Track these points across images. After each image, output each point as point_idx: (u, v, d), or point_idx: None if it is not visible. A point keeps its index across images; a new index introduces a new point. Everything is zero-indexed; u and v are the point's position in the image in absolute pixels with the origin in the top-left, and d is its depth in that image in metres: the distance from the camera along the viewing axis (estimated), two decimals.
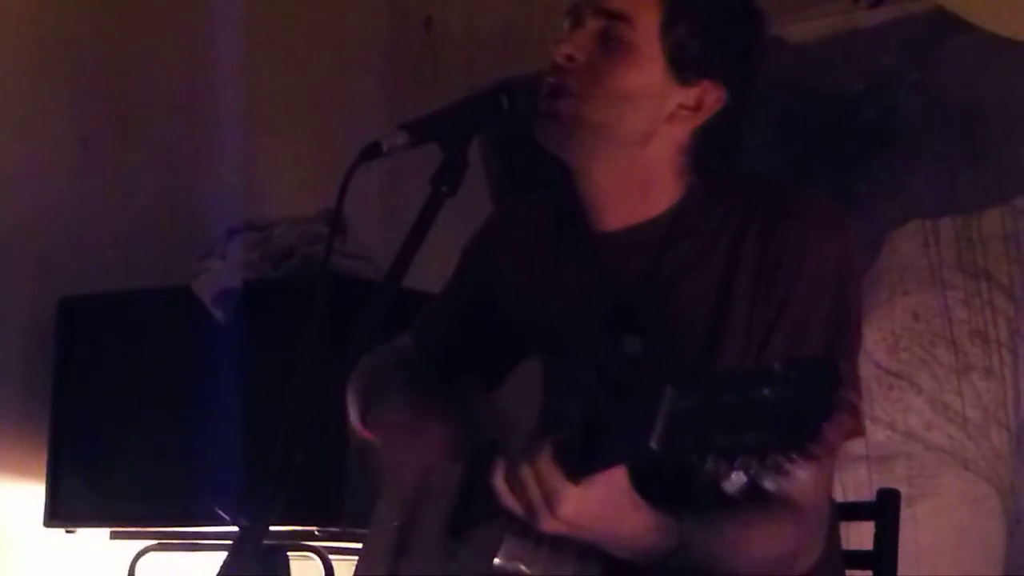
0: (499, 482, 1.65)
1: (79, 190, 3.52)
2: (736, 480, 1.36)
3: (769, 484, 1.36)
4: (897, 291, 3.14)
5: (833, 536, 1.99)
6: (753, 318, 1.80)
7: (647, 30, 1.85)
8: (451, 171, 1.70)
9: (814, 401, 1.32)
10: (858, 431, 1.82)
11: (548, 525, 1.63)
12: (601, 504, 1.62)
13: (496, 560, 1.69)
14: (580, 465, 1.58)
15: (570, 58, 1.87)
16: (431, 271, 2.11)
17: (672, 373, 1.50)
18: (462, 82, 3.54)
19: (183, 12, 3.65)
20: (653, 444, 1.43)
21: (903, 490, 2.39)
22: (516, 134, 1.87)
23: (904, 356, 3.13)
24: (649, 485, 1.66)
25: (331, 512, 2.96)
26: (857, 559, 2.15)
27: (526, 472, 1.61)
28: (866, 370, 3.14)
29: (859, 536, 2.20)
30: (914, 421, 3.11)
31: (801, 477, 1.66)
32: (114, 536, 3.37)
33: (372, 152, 1.68)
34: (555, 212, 2.00)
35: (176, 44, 3.65)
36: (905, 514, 2.41)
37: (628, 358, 1.83)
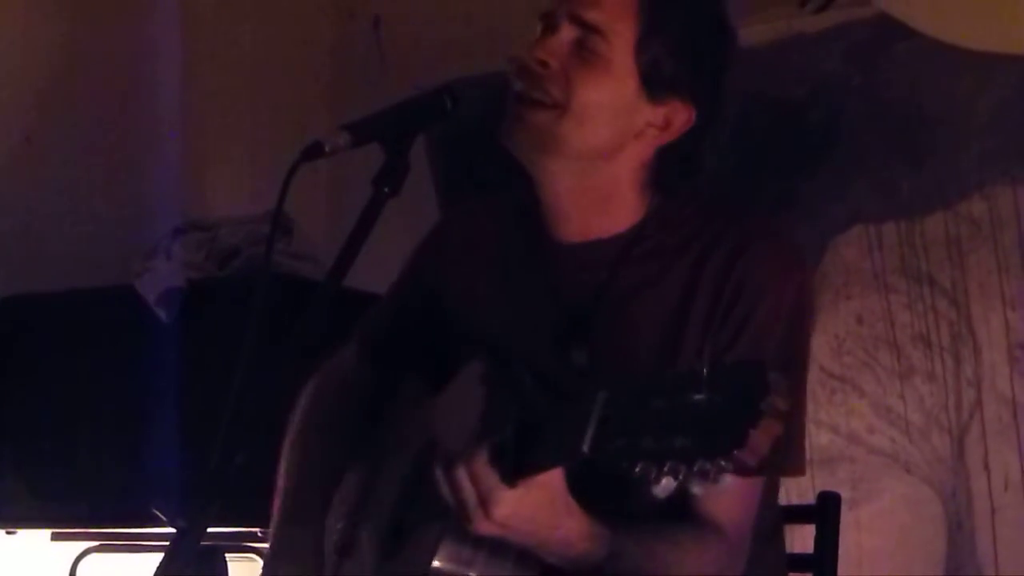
0: (440, 479, 1.65)
1: (22, 188, 3.49)
2: (666, 485, 1.36)
3: (698, 489, 1.36)
4: (841, 295, 3.16)
5: (777, 541, 2.00)
6: (705, 344, 1.81)
7: (623, 45, 1.85)
8: (393, 172, 1.70)
9: (741, 407, 1.33)
10: (800, 469, 1.84)
11: (482, 527, 1.63)
12: (536, 507, 1.63)
13: (435, 562, 1.69)
14: (515, 467, 1.58)
15: (544, 64, 1.85)
16: (375, 271, 2.11)
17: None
18: (409, 83, 3.53)
19: (129, 10, 3.62)
20: (584, 448, 1.43)
21: (846, 494, 2.40)
22: (463, 135, 1.87)
23: (847, 360, 3.14)
24: (587, 492, 1.67)
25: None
26: (799, 562, 2.16)
27: (461, 473, 1.61)
28: (810, 373, 3.15)
29: (802, 539, 2.21)
30: (857, 425, 3.12)
31: (729, 491, 1.70)
32: (55, 537, 3.35)
33: (314, 152, 1.68)
34: (510, 217, 2.00)
35: (122, 42, 3.62)
36: (848, 517, 2.43)
37: (573, 370, 1.83)
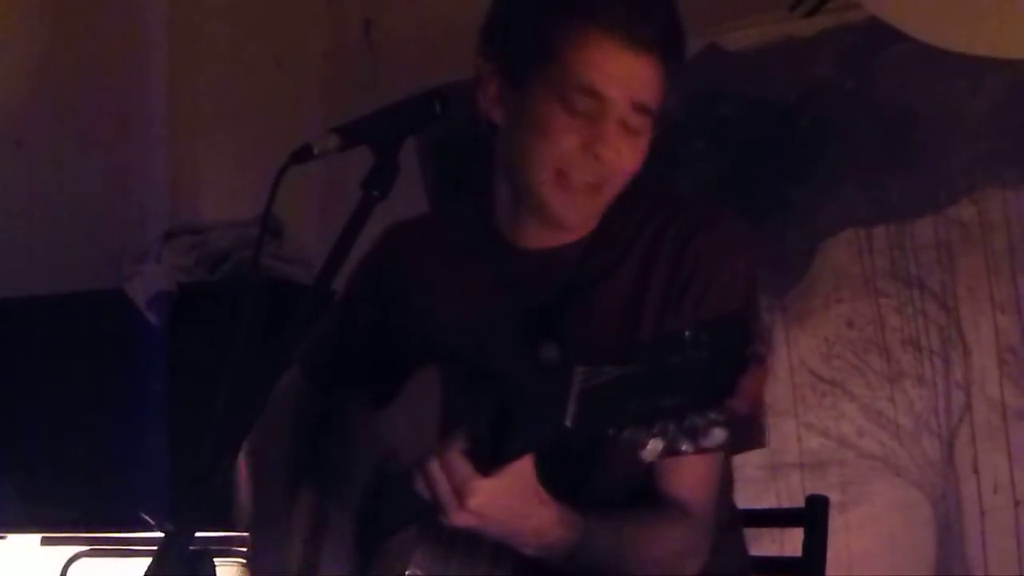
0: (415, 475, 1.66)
1: (12, 192, 3.48)
2: (653, 448, 1.37)
3: (687, 447, 1.36)
4: (831, 299, 3.16)
5: (736, 532, 2.02)
6: (666, 317, 1.84)
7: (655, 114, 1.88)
8: (382, 174, 1.69)
9: (728, 358, 1.33)
10: (760, 442, 1.87)
11: (458, 518, 1.64)
12: (509, 496, 1.64)
13: (408, 571, 1.69)
14: (491, 457, 1.59)
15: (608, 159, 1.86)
16: None
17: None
18: (401, 86, 3.53)
19: (119, 15, 3.62)
20: (568, 422, 1.43)
21: (836, 497, 2.40)
22: (454, 138, 1.86)
23: (837, 363, 3.14)
24: (552, 481, 1.68)
25: None
26: (787, 565, 2.17)
27: (434, 467, 1.62)
28: (800, 377, 3.16)
29: (792, 542, 2.21)
30: (847, 428, 3.12)
31: (689, 469, 1.75)
32: (45, 542, 3.34)
33: (303, 155, 1.68)
34: (461, 225, 2.02)
35: (113, 46, 3.62)
36: (838, 521, 2.43)
37: (544, 365, 1.84)
